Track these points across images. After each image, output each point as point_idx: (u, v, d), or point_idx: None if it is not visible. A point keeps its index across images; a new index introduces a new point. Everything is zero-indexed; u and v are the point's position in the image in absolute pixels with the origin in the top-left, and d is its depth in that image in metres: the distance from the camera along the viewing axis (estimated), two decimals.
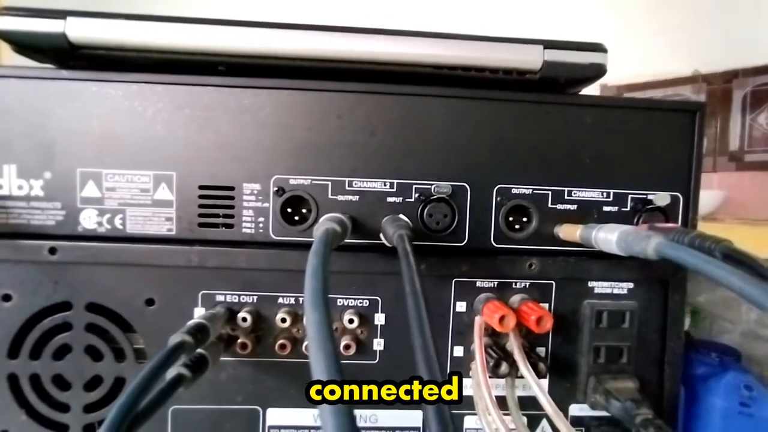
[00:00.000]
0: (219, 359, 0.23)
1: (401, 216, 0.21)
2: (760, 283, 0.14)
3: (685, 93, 1.36)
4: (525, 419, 0.26)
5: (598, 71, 0.24)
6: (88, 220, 0.25)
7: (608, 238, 0.21)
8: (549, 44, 0.24)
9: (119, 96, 0.24)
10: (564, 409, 0.27)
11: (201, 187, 0.25)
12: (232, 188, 0.25)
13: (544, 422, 0.27)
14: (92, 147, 0.24)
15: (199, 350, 0.21)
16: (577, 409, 0.27)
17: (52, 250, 0.24)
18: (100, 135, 0.24)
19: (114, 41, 0.23)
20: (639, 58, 1.26)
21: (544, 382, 0.26)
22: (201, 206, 0.25)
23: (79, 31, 0.22)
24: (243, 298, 0.25)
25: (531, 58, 0.24)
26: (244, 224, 0.25)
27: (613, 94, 1.49)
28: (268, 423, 0.25)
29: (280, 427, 0.25)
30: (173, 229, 0.25)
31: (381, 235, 0.21)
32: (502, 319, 0.23)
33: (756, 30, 1.12)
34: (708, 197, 1.04)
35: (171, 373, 0.19)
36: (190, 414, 0.25)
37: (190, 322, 0.21)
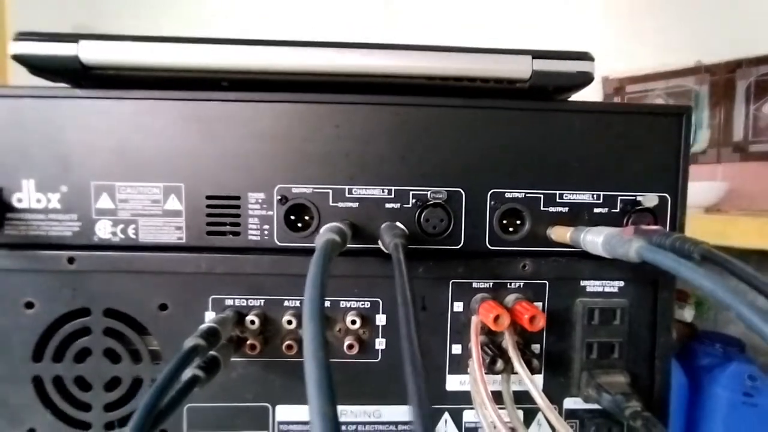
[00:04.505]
0: (230, 360, 0.25)
1: (398, 224, 0.22)
2: (729, 285, 0.15)
3: (688, 84, 1.36)
4: (521, 413, 0.27)
5: (585, 79, 0.25)
6: (103, 231, 0.26)
7: (594, 240, 0.22)
8: (537, 54, 0.25)
9: (129, 112, 0.26)
10: (559, 403, 0.28)
11: (208, 197, 0.26)
12: (237, 198, 0.26)
13: (540, 416, 0.28)
14: (105, 161, 0.26)
15: (211, 352, 0.22)
16: (571, 403, 0.28)
17: (71, 260, 0.25)
18: (112, 150, 0.26)
19: (123, 62, 0.24)
20: (643, 50, 1.25)
21: (539, 378, 0.27)
22: (209, 215, 0.26)
23: (90, 53, 0.24)
24: (251, 302, 0.26)
25: (520, 68, 0.25)
26: (250, 232, 0.26)
27: (615, 86, 1.49)
28: (278, 419, 0.27)
29: (289, 423, 0.27)
30: (183, 237, 0.26)
31: (379, 242, 0.23)
32: (496, 318, 0.24)
33: (759, 20, 1.12)
34: (711, 188, 1.04)
35: (187, 374, 0.20)
36: (204, 411, 0.26)
37: (202, 326, 0.23)
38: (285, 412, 0.27)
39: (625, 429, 0.27)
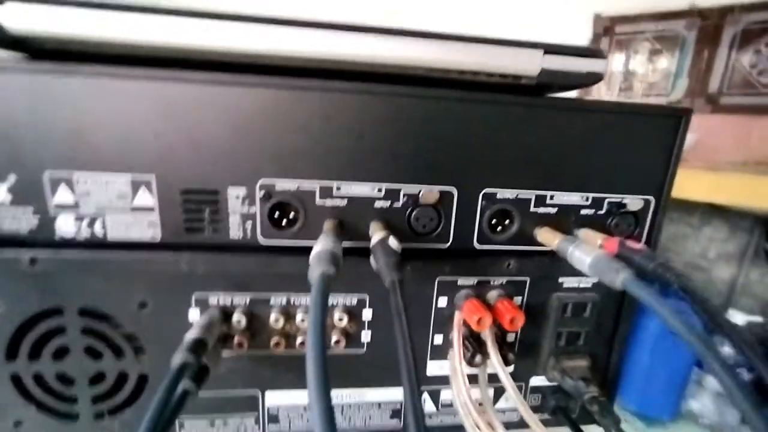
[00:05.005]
0: (219, 360, 0.25)
1: (391, 241, 0.21)
2: (703, 336, 0.16)
3: (678, 28, 1.32)
4: (492, 391, 0.30)
5: (594, 80, 0.24)
6: (66, 226, 0.24)
7: (582, 259, 0.22)
8: (549, 49, 0.23)
9: (83, 90, 0.22)
10: (525, 380, 0.31)
11: (183, 192, 0.24)
12: (216, 192, 0.24)
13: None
14: (59, 147, 0.23)
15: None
16: (537, 380, 0.31)
17: (33, 261, 0.23)
18: (68, 134, 0.22)
19: (61, 34, 0.20)
20: None
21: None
22: (185, 211, 0.24)
23: (15, 20, 0.19)
24: (236, 300, 0.26)
25: (530, 65, 0.23)
26: (231, 228, 0.25)
27: (606, 25, 1.43)
28: (267, 404, 0.28)
29: (278, 407, 0.28)
30: (158, 234, 0.25)
31: (371, 258, 0.22)
32: (479, 320, 0.25)
33: None
34: None
35: (178, 389, 0.20)
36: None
37: (189, 337, 0.22)
38: (275, 397, 0.28)
39: (578, 405, 0.31)
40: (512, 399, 0.25)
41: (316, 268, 0.17)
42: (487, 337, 0.27)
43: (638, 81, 1.32)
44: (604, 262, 0.21)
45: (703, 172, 0.98)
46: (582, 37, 1.36)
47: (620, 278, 0.19)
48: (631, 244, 0.23)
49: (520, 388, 0.31)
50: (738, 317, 0.99)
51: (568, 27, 1.33)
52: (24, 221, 0.24)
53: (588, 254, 0.22)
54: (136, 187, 0.24)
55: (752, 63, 1.17)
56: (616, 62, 1.33)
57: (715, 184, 0.97)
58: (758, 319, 1.02)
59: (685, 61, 1.30)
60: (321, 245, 0.20)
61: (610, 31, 1.37)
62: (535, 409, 0.31)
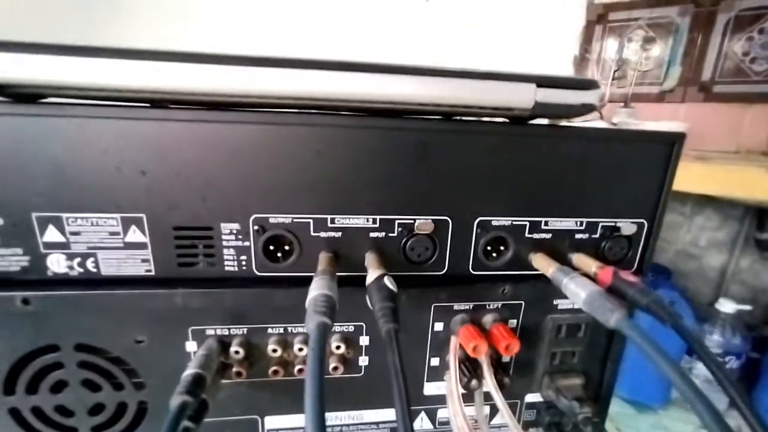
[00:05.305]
0: (218, 392, 0.25)
1: (387, 282, 0.21)
2: (691, 382, 0.16)
3: (671, 15, 1.31)
4: (488, 408, 0.31)
5: (588, 110, 0.23)
6: (57, 265, 0.24)
7: (577, 293, 0.22)
8: (541, 82, 0.22)
9: (72, 131, 0.21)
10: (521, 398, 0.31)
11: (176, 228, 0.24)
12: (209, 228, 0.24)
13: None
14: (47, 190, 0.22)
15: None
16: (532, 397, 0.32)
17: (25, 301, 0.23)
18: (54, 176, 0.22)
19: (42, 79, 0.19)
20: None
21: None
22: (178, 247, 0.24)
23: None
24: (233, 331, 0.26)
25: (523, 99, 0.22)
26: (226, 262, 0.25)
27: (599, 12, 1.41)
28: (267, 427, 0.28)
29: (278, 430, 0.29)
30: (152, 269, 0.24)
31: (367, 297, 0.22)
32: (475, 348, 0.26)
33: None
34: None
35: (178, 429, 0.20)
36: None
37: (187, 375, 0.22)
38: (274, 422, 0.28)
39: (572, 422, 0.31)
40: (507, 421, 0.26)
41: (313, 318, 0.18)
42: (483, 362, 0.27)
43: (631, 69, 1.32)
44: (598, 300, 0.21)
45: (694, 162, 0.99)
46: (575, 25, 1.35)
47: (613, 319, 0.20)
48: (624, 275, 0.23)
49: (515, 405, 0.31)
50: (728, 305, 1.02)
51: (562, 15, 1.31)
52: (14, 262, 0.23)
53: (583, 289, 0.22)
54: (126, 225, 0.23)
55: (745, 50, 1.17)
56: (609, 50, 1.32)
57: (706, 175, 0.97)
58: (748, 307, 1.05)
59: (679, 49, 1.29)
60: (317, 289, 0.20)
61: (603, 18, 1.36)
62: (530, 425, 0.32)
